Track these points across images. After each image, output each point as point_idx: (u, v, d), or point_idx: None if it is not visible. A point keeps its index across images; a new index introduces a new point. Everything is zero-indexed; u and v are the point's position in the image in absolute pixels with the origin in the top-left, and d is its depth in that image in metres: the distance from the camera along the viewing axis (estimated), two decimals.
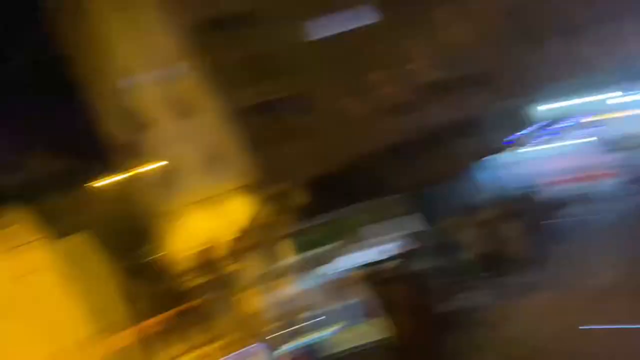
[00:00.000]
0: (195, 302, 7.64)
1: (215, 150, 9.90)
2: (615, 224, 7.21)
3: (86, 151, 9.29)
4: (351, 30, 10.34)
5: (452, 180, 9.07)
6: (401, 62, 10.26)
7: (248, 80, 9.73)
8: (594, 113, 9.08)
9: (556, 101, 9.86)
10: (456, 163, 9.39)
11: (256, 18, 10.14)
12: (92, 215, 8.32)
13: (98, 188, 8.42)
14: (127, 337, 7.29)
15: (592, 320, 5.14)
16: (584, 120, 9.12)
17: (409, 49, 10.20)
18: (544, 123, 9.58)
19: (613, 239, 6.87)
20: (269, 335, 6.39)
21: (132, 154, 9.39)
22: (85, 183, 8.45)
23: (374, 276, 6.96)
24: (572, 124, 9.19)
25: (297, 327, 6.67)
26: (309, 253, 7.88)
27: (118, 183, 8.42)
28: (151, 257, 9.26)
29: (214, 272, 8.06)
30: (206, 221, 9.20)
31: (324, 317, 6.75)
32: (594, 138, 8.45)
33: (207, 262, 8.28)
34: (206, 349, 6.72)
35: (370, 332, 6.45)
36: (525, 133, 9.63)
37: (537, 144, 9.23)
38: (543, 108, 9.96)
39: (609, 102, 9.27)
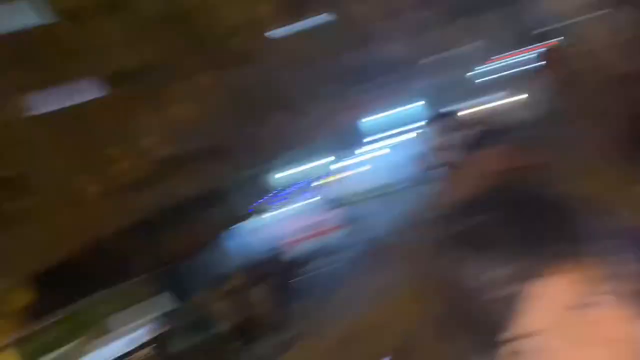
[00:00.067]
0: None
1: None
2: (348, 272, 8.03)
3: None
4: (79, 105, 9.77)
5: (200, 253, 9.07)
6: (136, 137, 10.04)
7: None
8: (320, 176, 10.24)
9: (288, 168, 10.76)
10: (202, 235, 9.43)
11: None
12: None
13: None
14: None
15: None
16: (312, 183, 10.17)
17: (143, 124, 10.07)
18: (279, 189, 10.34)
19: (350, 286, 7.58)
20: None
21: None
22: None
23: None
24: (302, 187, 10.13)
25: None
26: None
27: None
28: None
29: None
30: None
31: None
32: (321, 198, 9.51)
33: None
34: None
35: None
36: (265, 199, 10.25)
37: (275, 209, 9.89)
38: (278, 175, 10.76)
39: (331, 166, 10.59)
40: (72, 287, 7.44)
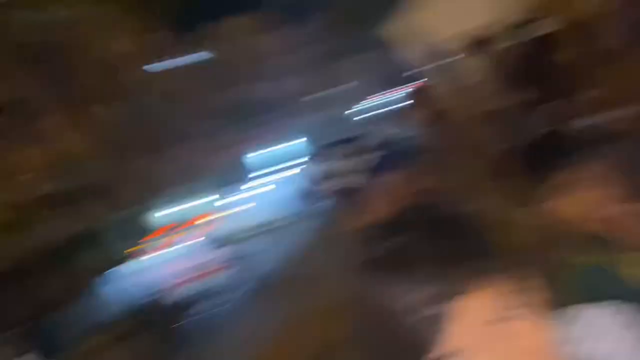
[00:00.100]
0: None
1: None
2: (237, 313, 7.83)
3: None
4: None
5: (74, 301, 8.37)
6: (10, 173, 9.17)
7: None
8: (204, 214, 9.98)
9: (170, 206, 10.39)
10: (76, 281, 8.72)
11: None
12: None
13: None
14: None
15: None
16: (195, 222, 9.88)
17: (19, 160, 9.24)
18: (160, 228, 9.92)
19: (239, 327, 7.39)
20: None
21: None
22: None
23: None
24: (185, 226, 9.80)
25: None
26: None
27: None
28: None
29: None
30: None
31: None
32: (205, 237, 9.24)
33: None
34: None
35: None
36: (145, 240, 9.77)
37: (156, 250, 9.45)
38: (159, 214, 10.34)
39: (215, 204, 10.38)
40: None
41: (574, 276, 0.71)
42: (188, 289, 8.84)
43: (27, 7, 9.21)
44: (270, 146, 11.21)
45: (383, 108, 11.28)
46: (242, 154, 11.41)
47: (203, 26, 10.80)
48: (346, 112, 11.52)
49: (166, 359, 7.24)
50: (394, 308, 0.64)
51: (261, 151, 11.33)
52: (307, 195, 8.73)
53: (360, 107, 11.77)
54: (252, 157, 11.45)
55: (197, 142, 10.60)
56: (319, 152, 9.19)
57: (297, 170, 9.85)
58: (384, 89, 11.50)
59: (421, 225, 0.69)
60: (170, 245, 9.38)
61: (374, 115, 11.29)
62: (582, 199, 1.00)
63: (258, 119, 10.70)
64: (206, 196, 10.49)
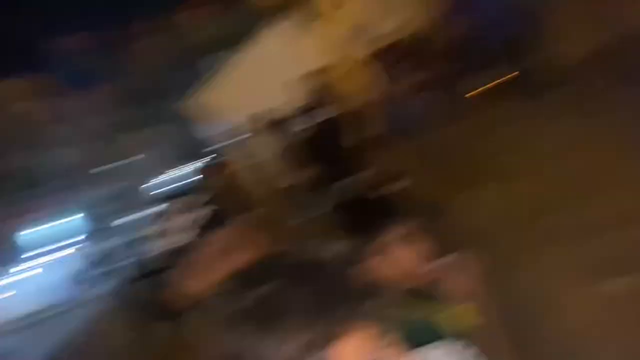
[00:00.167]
0: None
1: None
2: None
3: None
4: None
5: None
6: None
7: None
8: None
9: None
10: None
11: None
12: None
13: None
14: None
15: None
16: None
17: None
18: None
19: None
20: None
21: None
22: None
23: None
24: None
25: None
26: None
27: None
28: None
29: None
30: None
31: None
32: None
33: None
34: None
35: None
36: None
37: None
38: None
39: None
40: None
41: (399, 329, 0.73)
42: None
43: None
44: (47, 222, 9.98)
45: (179, 181, 10.92)
46: (14, 230, 9.98)
47: None
48: (137, 185, 10.87)
49: None
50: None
51: (36, 227, 10.02)
52: (82, 279, 7.80)
53: (155, 181, 11.24)
54: (25, 234, 10.08)
55: None
56: (98, 229, 8.36)
57: (72, 249, 8.81)
58: (180, 163, 11.23)
59: (282, 275, 0.68)
60: None
61: (167, 188, 10.84)
62: (396, 259, 1.13)
63: (30, 192, 9.48)
64: None
